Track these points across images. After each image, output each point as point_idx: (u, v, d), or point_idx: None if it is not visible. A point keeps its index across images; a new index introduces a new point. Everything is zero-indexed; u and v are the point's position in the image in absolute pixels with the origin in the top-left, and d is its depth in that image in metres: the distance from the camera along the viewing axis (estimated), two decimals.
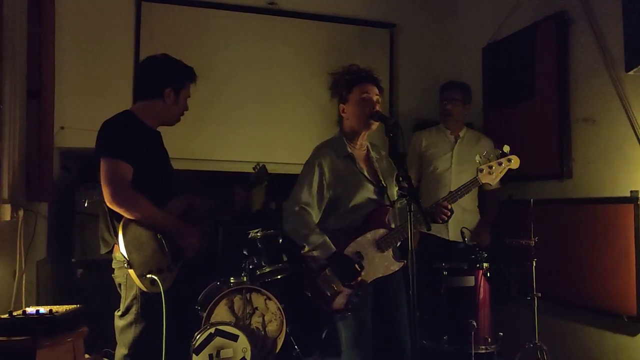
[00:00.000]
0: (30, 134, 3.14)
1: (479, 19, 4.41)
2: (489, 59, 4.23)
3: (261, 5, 4.33)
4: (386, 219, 2.55)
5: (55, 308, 2.44)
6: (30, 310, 2.42)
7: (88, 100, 3.84)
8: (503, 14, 4.05)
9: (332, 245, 2.45)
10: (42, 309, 2.40)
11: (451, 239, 3.59)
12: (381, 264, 2.51)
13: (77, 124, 3.70)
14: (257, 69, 4.29)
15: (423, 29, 4.66)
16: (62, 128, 3.74)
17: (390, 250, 2.52)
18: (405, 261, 2.47)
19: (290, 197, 2.57)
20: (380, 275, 2.51)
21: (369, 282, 2.48)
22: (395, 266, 2.53)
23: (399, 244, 2.58)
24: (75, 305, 2.57)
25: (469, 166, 3.61)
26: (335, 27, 4.49)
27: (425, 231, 3.14)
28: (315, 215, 2.55)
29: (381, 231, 2.52)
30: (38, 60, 3.24)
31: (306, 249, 2.46)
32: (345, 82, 2.59)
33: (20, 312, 2.40)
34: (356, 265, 2.42)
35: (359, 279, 2.44)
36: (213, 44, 4.21)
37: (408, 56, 4.64)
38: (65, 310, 2.47)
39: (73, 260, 3.60)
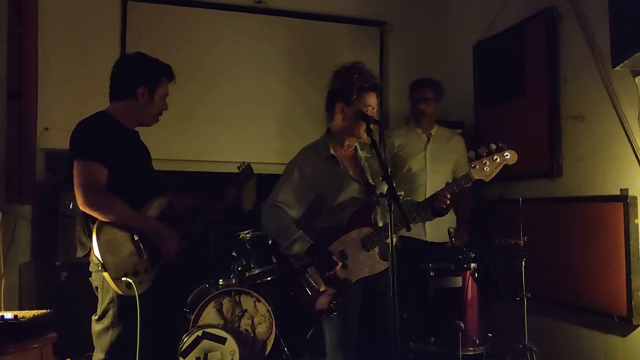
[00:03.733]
0: (11, 135, 3.09)
1: (470, 16, 4.36)
2: (480, 56, 4.19)
3: (249, 4, 4.29)
4: (372, 218, 2.51)
5: (21, 313, 2.39)
6: None
7: (73, 101, 3.79)
8: (494, 11, 4.01)
9: (309, 239, 2.42)
10: (8, 315, 2.35)
11: (429, 240, 3.54)
12: (367, 263, 2.46)
13: (63, 125, 3.63)
14: (246, 69, 4.25)
15: (413, 27, 4.62)
16: (46, 129, 3.70)
17: (376, 250, 2.48)
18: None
19: (269, 196, 2.56)
20: (366, 275, 2.46)
21: (354, 281, 2.44)
22: (382, 265, 2.47)
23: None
24: (44, 310, 2.52)
25: (444, 164, 3.62)
26: (325, 26, 4.45)
27: (406, 232, 3.09)
28: (294, 215, 2.51)
29: (366, 230, 2.48)
30: (19, 60, 3.19)
31: (284, 245, 2.44)
32: (358, 87, 2.47)
33: None
34: (334, 257, 2.38)
35: (342, 277, 2.40)
36: (201, 44, 4.17)
37: (398, 54, 4.60)
38: (33, 315, 2.42)
39: (57, 263, 3.55)
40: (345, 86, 2.49)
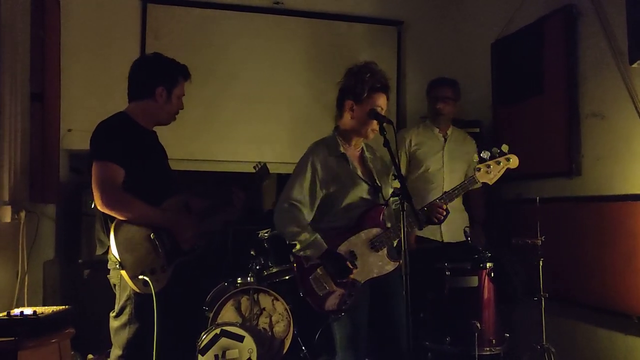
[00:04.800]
0: (34, 136, 3.17)
1: (488, 14, 4.32)
2: (498, 55, 4.15)
3: (267, 5, 4.32)
4: (380, 218, 2.50)
5: (40, 309, 2.46)
6: (15, 311, 2.45)
7: (96, 102, 3.85)
8: (512, 9, 3.96)
9: (324, 243, 2.41)
10: (28, 310, 2.42)
11: (445, 240, 3.53)
12: (375, 264, 2.46)
13: (85, 126, 3.69)
14: (263, 69, 4.29)
15: (431, 26, 4.61)
16: (69, 130, 3.79)
17: (385, 250, 2.47)
18: (400, 261, 2.43)
19: (282, 194, 2.55)
20: (375, 276, 2.46)
21: (362, 282, 2.43)
22: (390, 266, 2.47)
23: (395, 244, 2.53)
24: (63, 307, 2.59)
25: (460, 165, 3.59)
26: (342, 26, 4.47)
27: (418, 231, 3.09)
28: (307, 214, 2.50)
29: (375, 230, 2.47)
30: (42, 63, 3.27)
31: (297, 247, 2.43)
32: (370, 86, 2.48)
33: (4, 313, 2.43)
34: (348, 263, 2.38)
35: (352, 278, 2.40)
36: (218, 45, 4.22)
37: (415, 54, 4.59)
38: (51, 311, 2.48)
39: (80, 261, 3.64)
40: (356, 84, 2.49)
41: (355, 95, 2.50)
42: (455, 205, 3.48)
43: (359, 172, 2.55)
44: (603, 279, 3.11)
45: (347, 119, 2.55)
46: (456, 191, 2.55)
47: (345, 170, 2.53)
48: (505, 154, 2.53)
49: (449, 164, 3.61)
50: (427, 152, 3.66)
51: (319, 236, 2.42)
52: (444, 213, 2.48)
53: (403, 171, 3.73)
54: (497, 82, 4.14)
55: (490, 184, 2.56)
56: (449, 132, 3.72)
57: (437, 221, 2.49)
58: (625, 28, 2.91)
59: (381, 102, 2.49)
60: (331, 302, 2.40)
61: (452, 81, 3.74)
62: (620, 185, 3.08)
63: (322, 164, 2.52)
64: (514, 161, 2.54)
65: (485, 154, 2.51)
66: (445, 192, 2.57)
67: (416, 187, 3.64)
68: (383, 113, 2.48)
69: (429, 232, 3.44)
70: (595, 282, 3.16)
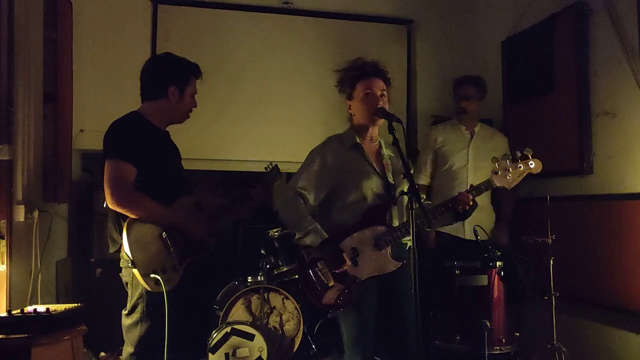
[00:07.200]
0: (47, 137, 3.21)
1: (498, 12, 4.32)
2: (508, 53, 4.14)
3: (276, 5, 4.33)
4: (387, 217, 2.48)
5: (53, 307, 2.49)
6: (29, 308, 2.49)
7: (108, 103, 3.90)
8: (522, 6, 3.96)
9: (324, 232, 2.42)
10: (41, 308, 2.46)
11: (467, 237, 3.49)
12: (377, 262, 2.44)
13: (97, 127, 3.74)
14: (273, 69, 4.30)
15: (441, 24, 4.59)
16: (81, 131, 3.83)
17: (389, 249, 2.45)
18: (404, 261, 2.42)
19: (289, 183, 2.57)
20: (376, 274, 2.44)
21: (362, 279, 2.43)
22: (393, 265, 2.44)
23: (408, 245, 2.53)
24: (75, 304, 2.62)
25: (486, 162, 3.51)
26: (352, 25, 4.46)
27: (445, 229, 3.07)
28: (313, 201, 2.51)
29: (380, 229, 2.45)
30: (54, 64, 3.30)
31: (297, 235, 2.44)
32: (349, 79, 2.56)
33: (18, 310, 2.47)
34: (345, 255, 2.38)
35: (351, 274, 2.40)
36: (228, 45, 4.23)
37: (426, 52, 4.58)
38: (64, 309, 2.52)
39: (92, 259, 3.68)
40: (343, 84, 2.59)
41: (346, 94, 2.59)
42: (481, 204, 3.46)
43: (374, 165, 2.55)
44: (615, 277, 3.09)
45: (353, 118, 2.61)
46: (471, 192, 2.47)
47: (359, 161, 2.53)
48: (528, 158, 2.41)
49: (474, 161, 3.58)
50: (453, 149, 3.64)
51: (317, 225, 2.43)
52: (470, 203, 2.43)
53: (430, 169, 3.74)
54: (508, 80, 4.14)
55: (509, 188, 2.47)
56: (476, 129, 3.69)
57: (464, 210, 2.45)
58: (636, 25, 2.90)
59: (368, 85, 2.51)
60: (329, 297, 2.40)
61: (475, 79, 3.70)
62: (631, 184, 3.07)
63: (334, 153, 2.53)
64: (536, 166, 2.41)
65: (505, 157, 2.42)
66: (471, 186, 2.50)
67: (441, 184, 3.64)
68: (378, 94, 2.50)
69: (452, 228, 3.41)
70: (607, 281, 3.14)
